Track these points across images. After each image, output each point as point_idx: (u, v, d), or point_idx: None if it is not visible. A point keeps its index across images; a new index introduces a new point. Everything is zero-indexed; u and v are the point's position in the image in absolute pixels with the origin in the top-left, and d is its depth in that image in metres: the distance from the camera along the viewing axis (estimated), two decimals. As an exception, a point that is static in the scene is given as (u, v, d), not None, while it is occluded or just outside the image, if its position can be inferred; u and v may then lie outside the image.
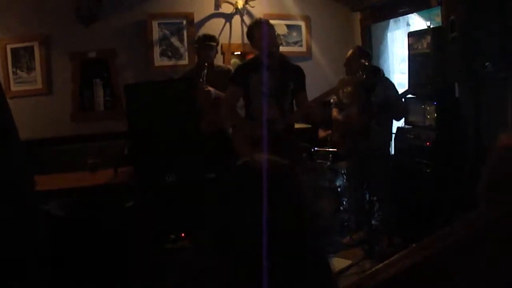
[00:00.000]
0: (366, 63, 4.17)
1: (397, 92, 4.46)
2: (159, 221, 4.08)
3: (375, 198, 4.64)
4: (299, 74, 4.02)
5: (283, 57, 4.04)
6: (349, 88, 4.37)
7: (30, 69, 5.55)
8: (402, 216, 4.44)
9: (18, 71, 5.54)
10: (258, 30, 3.87)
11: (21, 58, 5.53)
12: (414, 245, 1.29)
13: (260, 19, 4.21)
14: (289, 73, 3.93)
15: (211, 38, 5.08)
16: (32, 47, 5.52)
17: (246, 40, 5.99)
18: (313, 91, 4.03)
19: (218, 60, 5.96)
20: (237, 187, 1.19)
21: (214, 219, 1.19)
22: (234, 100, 4.07)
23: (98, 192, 4.01)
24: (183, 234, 4.10)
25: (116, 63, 5.72)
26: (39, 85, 5.56)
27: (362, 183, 4.63)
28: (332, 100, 4.73)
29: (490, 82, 3.65)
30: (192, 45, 5.78)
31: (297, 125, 4.48)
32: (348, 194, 4.91)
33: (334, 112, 4.67)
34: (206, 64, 4.86)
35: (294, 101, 4.06)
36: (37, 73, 5.54)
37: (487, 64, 3.39)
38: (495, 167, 1.44)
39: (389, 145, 4.53)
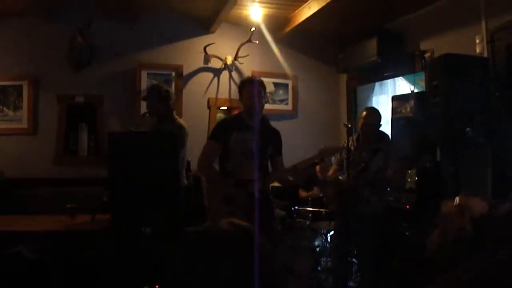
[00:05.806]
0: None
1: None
2: (133, 272, 3.99)
3: (354, 260, 4.57)
4: (278, 139, 3.96)
5: (264, 119, 3.94)
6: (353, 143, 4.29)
7: (17, 108, 5.56)
8: (380, 278, 4.38)
9: (5, 109, 5.56)
10: (248, 87, 3.81)
11: (9, 96, 5.56)
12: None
13: (253, 77, 4.10)
14: (269, 136, 3.87)
15: (153, 90, 4.49)
16: (21, 86, 5.55)
17: (233, 96, 6.10)
18: (297, 148, 4.01)
19: (204, 113, 6.02)
20: (192, 253, 1.27)
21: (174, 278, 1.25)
22: (212, 155, 3.91)
23: (73, 237, 3.94)
24: (157, 286, 4.00)
25: (103, 109, 5.74)
26: (24, 125, 5.56)
27: (348, 244, 4.57)
28: (333, 159, 4.63)
29: (470, 146, 3.72)
30: (180, 98, 5.87)
31: (277, 184, 4.44)
32: (332, 253, 4.79)
33: (331, 170, 4.64)
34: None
35: (270, 164, 3.98)
36: (24, 112, 5.56)
37: (467, 129, 3.47)
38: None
39: (380, 209, 4.41)
